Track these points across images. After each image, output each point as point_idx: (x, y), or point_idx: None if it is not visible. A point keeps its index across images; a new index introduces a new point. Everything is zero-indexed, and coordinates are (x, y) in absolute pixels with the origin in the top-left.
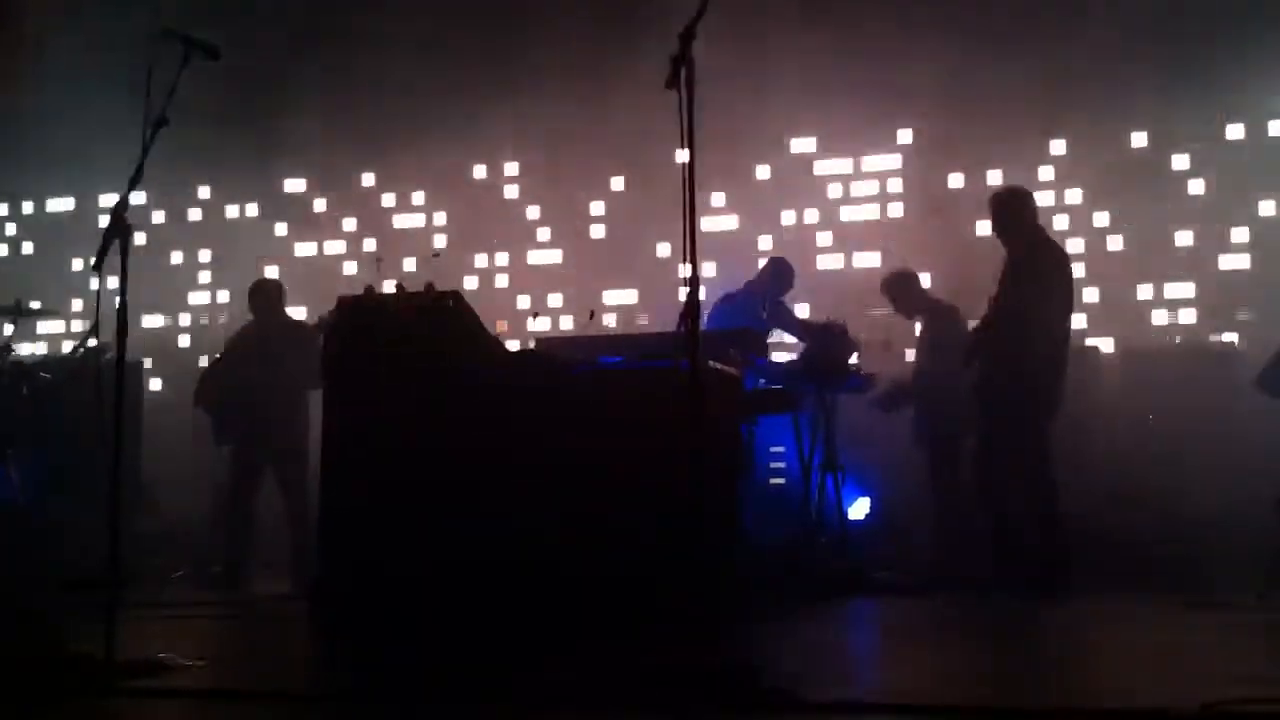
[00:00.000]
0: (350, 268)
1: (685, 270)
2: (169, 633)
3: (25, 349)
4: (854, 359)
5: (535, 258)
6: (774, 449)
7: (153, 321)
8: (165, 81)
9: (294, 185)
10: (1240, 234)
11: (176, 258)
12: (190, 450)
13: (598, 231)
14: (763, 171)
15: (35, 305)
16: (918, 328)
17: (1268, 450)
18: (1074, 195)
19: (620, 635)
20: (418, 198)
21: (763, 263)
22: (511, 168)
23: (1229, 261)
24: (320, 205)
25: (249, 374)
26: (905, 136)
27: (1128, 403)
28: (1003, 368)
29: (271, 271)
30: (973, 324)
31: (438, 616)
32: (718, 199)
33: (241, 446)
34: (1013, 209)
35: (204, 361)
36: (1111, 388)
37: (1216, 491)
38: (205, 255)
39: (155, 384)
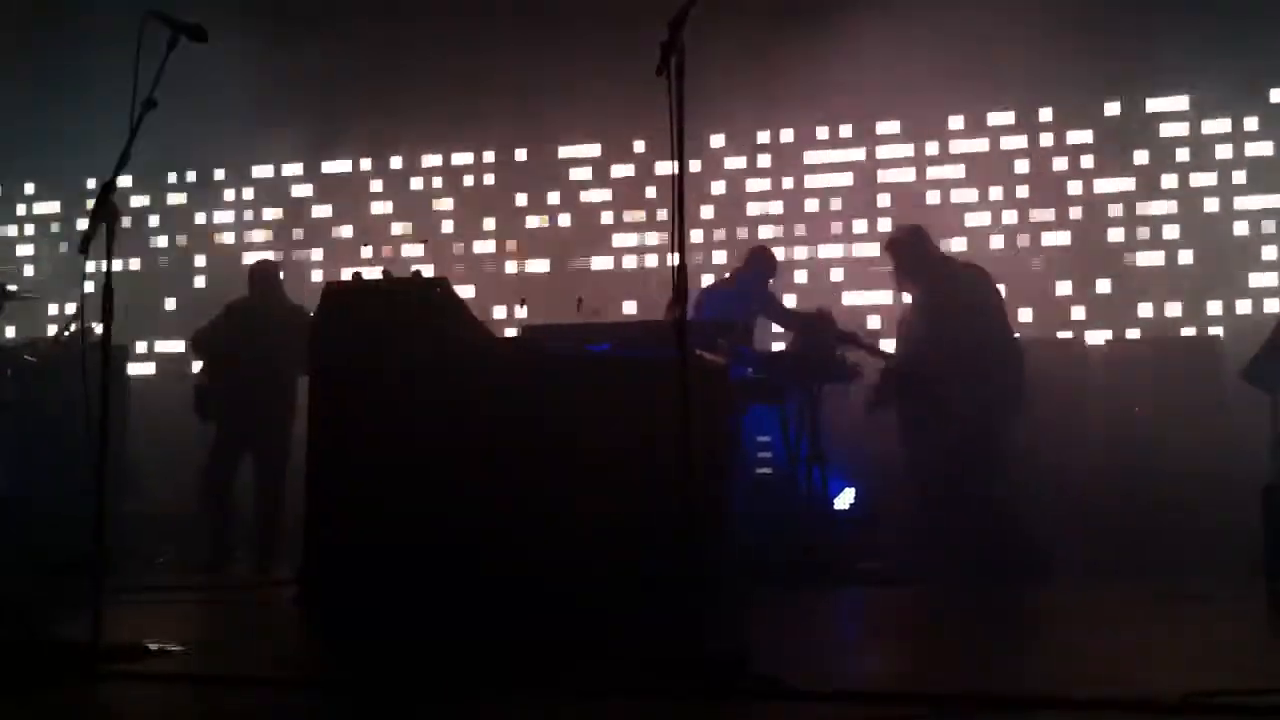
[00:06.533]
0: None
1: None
2: (154, 617)
3: (9, 332)
4: (841, 349)
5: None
6: (760, 438)
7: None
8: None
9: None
10: None
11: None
12: (177, 434)
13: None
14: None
15: (20, 290)
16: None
17: (1253, 442)
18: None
19: (607, 624)
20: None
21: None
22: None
23: None
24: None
25: (243, 352)
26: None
27: (1114, 394)
28: (929, 405)
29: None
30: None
31: (424, 605)
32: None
33: (225, 424)
34: (910, 249)
35: None
36: (1097, 379)
37: (1201, 483)
38: None
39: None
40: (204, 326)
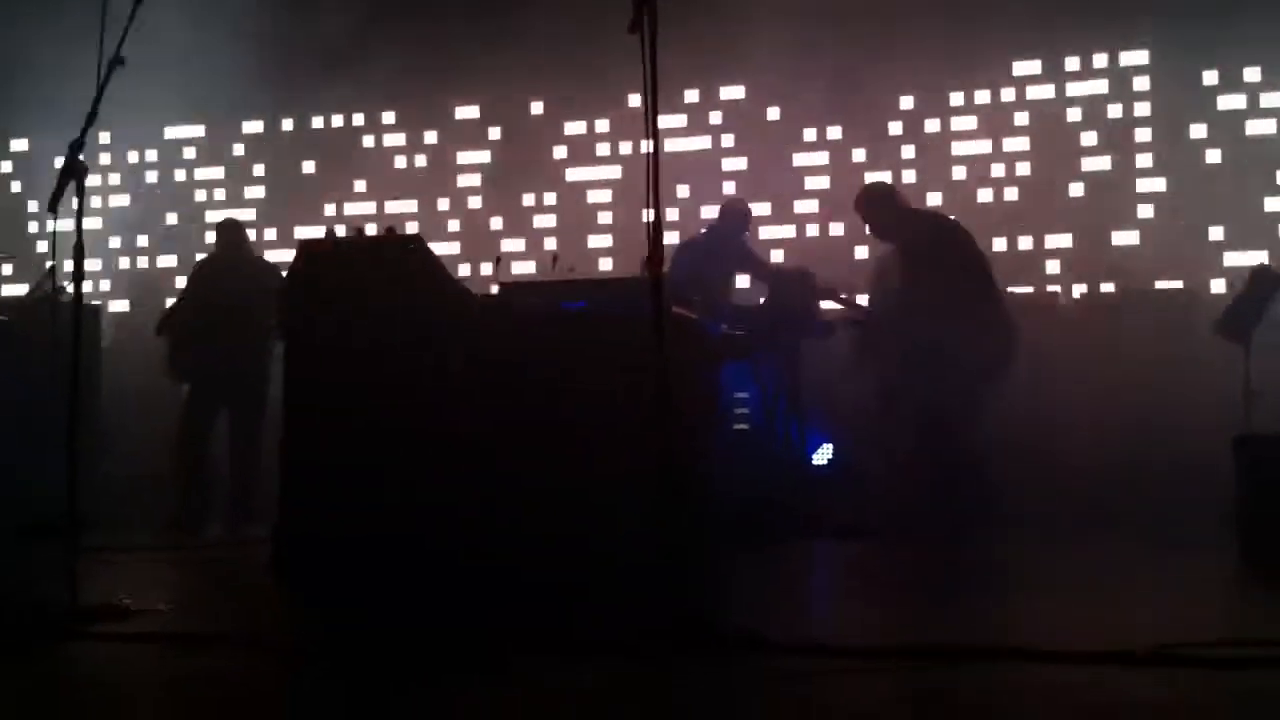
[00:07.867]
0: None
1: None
2: (130, 577)
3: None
4: (820, 305)
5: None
6: (738, 394)
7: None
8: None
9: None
10: None
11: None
12: (151, 393)
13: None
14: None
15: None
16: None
17: (1225, 393)
18: None
19: (586, 580)
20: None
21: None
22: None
23: None
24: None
25: (216, 310)
26: None
27: (1087, 347)
28: (922, 366)
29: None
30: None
31: (400, 566)
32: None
33: (199, 383)
34: (883, 205)
35: None
36: (1073, 333)
37: (1174, 435)
38: None
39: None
40: (168, 310)
